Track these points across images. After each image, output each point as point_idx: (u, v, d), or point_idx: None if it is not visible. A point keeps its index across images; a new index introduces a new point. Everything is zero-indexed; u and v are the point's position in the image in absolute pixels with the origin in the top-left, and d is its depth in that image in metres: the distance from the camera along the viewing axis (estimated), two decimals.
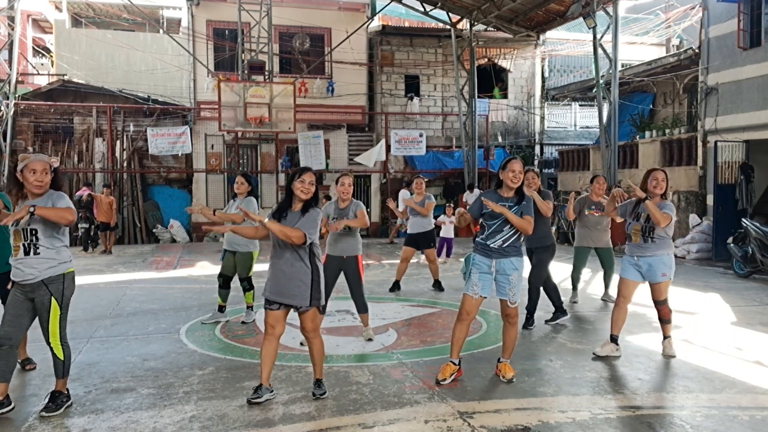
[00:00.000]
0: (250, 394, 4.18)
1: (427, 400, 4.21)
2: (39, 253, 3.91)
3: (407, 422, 3.84)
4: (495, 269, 4.49)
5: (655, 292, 5.22)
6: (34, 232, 3.88)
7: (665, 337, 5.40)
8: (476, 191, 15.69)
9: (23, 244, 3.88)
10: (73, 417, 3.94)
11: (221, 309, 6.69)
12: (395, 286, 8.54)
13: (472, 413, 3.98)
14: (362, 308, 5.91)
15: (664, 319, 5.34)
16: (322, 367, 4.38)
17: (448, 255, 11.86)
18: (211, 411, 4.04)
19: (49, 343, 4.01)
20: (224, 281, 6.63)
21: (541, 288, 6.44)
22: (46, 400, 4.04)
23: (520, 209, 4.48)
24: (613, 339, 5.28)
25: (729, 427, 3.76)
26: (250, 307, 6.74)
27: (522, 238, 4.58)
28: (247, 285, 6.64)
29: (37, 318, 4.04)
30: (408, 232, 8.57)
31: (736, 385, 4.55)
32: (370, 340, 5.82)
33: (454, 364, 4.61)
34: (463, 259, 4.83)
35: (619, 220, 5.46)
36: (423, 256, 9.05)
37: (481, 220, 4.61)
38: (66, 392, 4.11)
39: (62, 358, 4.05)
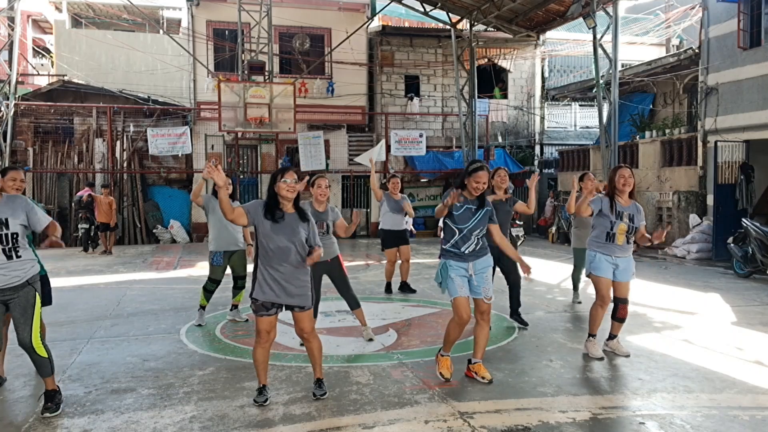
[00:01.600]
0: (257, 396, 4.18)
1: (427, 400, 4.21)
2: (20, 256, 3.93)
3: (407, 422, 3.84)
4: (471, 272, 4.49)
5: (623, 290, 5.21)
6: (15, 236, 3.89)
7: (613, 336, 5.34)
8: None
9: (4, 249, 3.85)
10: (74, 417, 3.94)
11: (204, 308, 6.64)
12: (388, 288, 8.50)
13: (473, 413, 3.98)
14: (355, 304, 5.91)
15: (622, 318, 5.27)
16: (322, 366, 4.38)
17: None
18: (211, 411, 4.05)
19: (31, 344, 3.96)
20: (217, 285, 6.58)
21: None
22: (43, 401, 4.03)
23: (488, 215, 4.54)
24: (594, 336, 5.30)
25: (729, 427, 3.76)
26: (236, 306, 6.77)
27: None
28: (244, 283, 6.65)
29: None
30: (385, 228, 8.31)
31: (736, 385, 4.55)
32: (371, 340, 5.82)
33: (449, 357, 4.69)
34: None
35: (587, 213, 5.26)
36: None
37: (447, 223, 4.49)
38: (57, 388, 4.11)
39: (46, 356, 4.04)
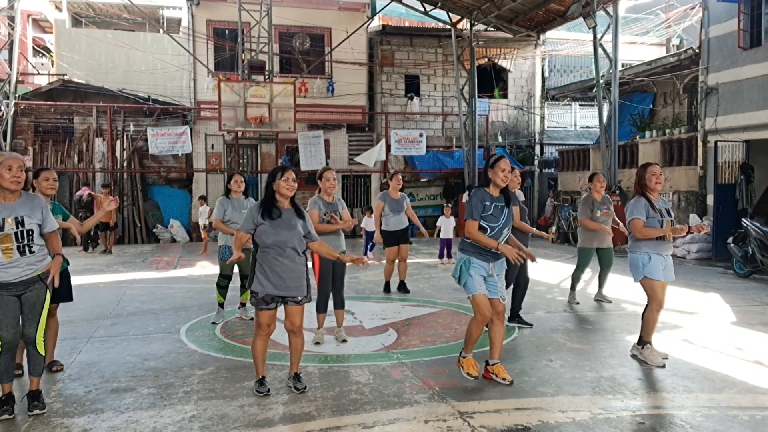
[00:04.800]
0: (258, 387, 4.28)
1: (427, 400, 4.21)
2: (34, 252, 3.96)
3: (407, 422, 3.84)
4: (493, 272, 4.49)
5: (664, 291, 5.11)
6: (30, 233, 3.92)
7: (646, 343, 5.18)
8: None
9: (18, 246, 3.87)
10: (74, 417, 3.94)
11: (222, 305, 6.72)
12: (387, 287, 8.48)
13: (472, 413, 3.98)
14: (341, 304, 5.91)
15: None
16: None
17: (449, 256, 11.85)
18: (211, 411, 4.04)
19: (35, 340, 3.97)
20: (229, 281, 6.65)
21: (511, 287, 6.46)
22: (28, 400, 4.00)
23: (510, 210, 4.52)
24: (650, 343, 5.09)
25: (729, 427, 3.76)
26: (244, 304, 6.82)
27: None
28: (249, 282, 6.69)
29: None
30: (390, 229, 8.21)
31: (736, 385, 4.55)
32: (344, 341, 5.78)
33: (472, 356, 4.68)
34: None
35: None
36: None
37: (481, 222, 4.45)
38: (41, 390, 4.11)
39: (44, 354, 4.09)
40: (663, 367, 4.90)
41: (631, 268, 5.08)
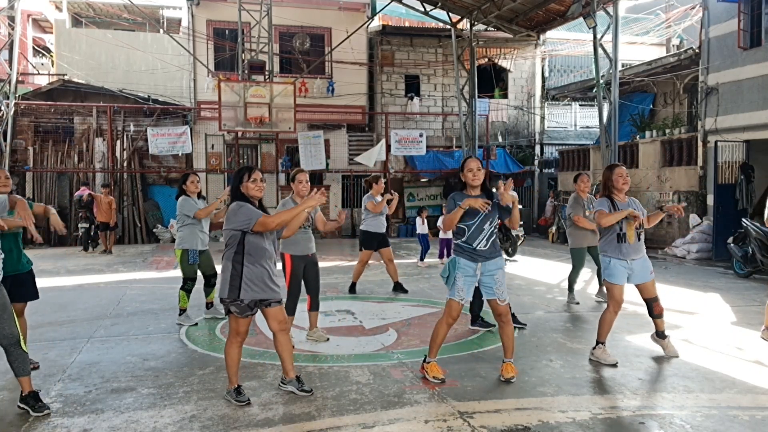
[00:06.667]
0: (238, 397, 4.15)
1: (427, 400, 4.22)
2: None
3: (407, 422, 3.84)
4: (480, 272, 4.50)
5: (648, 291, 5.13)
6: None
7: (663, 335, 5.28)
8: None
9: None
10: (74, 417, 3.94)
11: (186, 310, 6.63)
12: (353, 288, 8.48)
13: (472, 413, 3.98)
14: (316, 306, 5.88)
15: (660, 314, 5.21)
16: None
17: (449, 256, 11.79)
18: (211, 411, 4.04)
19: (18, 338, 3.95)
20: (194, 284, 6.63)
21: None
22: (32, 402, 3.97)
23: (497, 205, 4.50)
24: (603, 344, 5.17)
25: (729, 427, 3.76)
26: (212, 304, 6.80)
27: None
28: (216, 281, 6.68)
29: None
30: (372, 231, 8.19)
31: (736, 385, 4.55)
32: (327, 339, 5.80)
33: (435, 361, 4.70)
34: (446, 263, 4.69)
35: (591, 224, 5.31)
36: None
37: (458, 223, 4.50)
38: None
39: (27, 351, 4.06)
40: (615, 365, 4.96)
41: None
